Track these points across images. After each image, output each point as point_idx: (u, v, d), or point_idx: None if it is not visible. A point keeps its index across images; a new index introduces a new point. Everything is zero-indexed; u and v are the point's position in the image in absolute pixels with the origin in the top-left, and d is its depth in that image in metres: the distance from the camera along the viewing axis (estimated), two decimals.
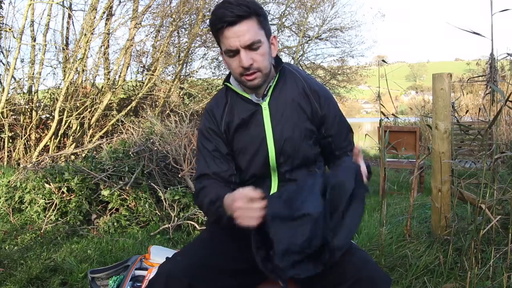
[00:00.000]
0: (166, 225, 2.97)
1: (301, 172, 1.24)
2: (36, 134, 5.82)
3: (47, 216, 3.10)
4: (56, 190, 3.22)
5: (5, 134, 5.48)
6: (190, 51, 7.72)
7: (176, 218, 3.03)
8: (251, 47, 1.13)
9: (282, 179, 1.24)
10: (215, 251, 1.16)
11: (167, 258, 1.12)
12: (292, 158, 1.23)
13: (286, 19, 10.08)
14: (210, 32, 7.72)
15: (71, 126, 5.90)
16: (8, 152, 5.52)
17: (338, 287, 1.03)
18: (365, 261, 1.07)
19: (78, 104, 5.77)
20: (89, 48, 5.88)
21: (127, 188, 3.15)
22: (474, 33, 2.07)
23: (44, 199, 3.20)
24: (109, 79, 6.33)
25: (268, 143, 1.22)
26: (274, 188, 1.25)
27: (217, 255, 1.14)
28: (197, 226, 2.96)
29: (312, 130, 1.24)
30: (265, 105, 1.23)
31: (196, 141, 1.40)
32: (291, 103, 1.23)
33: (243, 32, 1.12)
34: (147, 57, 7.22)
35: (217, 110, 1.27)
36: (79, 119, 5.84)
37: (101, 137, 5.75)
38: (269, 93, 1.23)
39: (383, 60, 2.46)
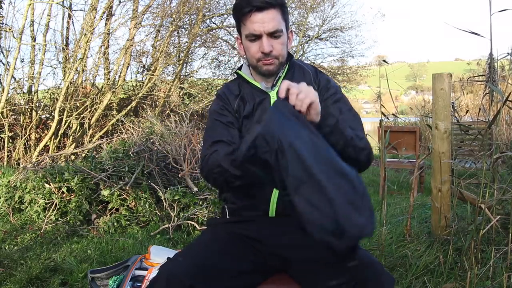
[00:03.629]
0: (166, 225, 2.97)
1: None
2: (36, 134, 5.82)
3: (47, 216, 3.10)
4: (56, 190, 3.22)
5: (5, 134, 5.48)
6: (190, 51, 7.73)
7: (176, 218, 3.03)
8: (274, 34, 1.18)
9: None
10: (217, 252, 1.15)
11: (168, 258, 1.11)
12: None
13: None
14: (210, 33, 7.70)
15: (71, 126, 5.90)
16: (8, 152, 5.52)
17: (343, 286, 1.02)
18: (370, 261, 1.07)
19: (78, 104, 5.77)
20: (89, 48, 5.88)
21: (127, 188, 3.15)
22: (473, 33, 2.08)
23: (44, 199, 3.20)
24: (109, 79, 6.33)
25: None
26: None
27: (218, 256, 1.14)
28: (197, 226, 2.96)
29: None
30: (273, 94, 1.26)
31: (206, 123, 1.38)
32: None
33: (269, 19, 1.17)
34: (147, 57, 7.23)
35: (230, 95, 1.30)
36: (79, 119, 5.84)
37: (101, 137, 5.74)
38: (279, 83, 1.26)
39: (384, 60, 2.46)
